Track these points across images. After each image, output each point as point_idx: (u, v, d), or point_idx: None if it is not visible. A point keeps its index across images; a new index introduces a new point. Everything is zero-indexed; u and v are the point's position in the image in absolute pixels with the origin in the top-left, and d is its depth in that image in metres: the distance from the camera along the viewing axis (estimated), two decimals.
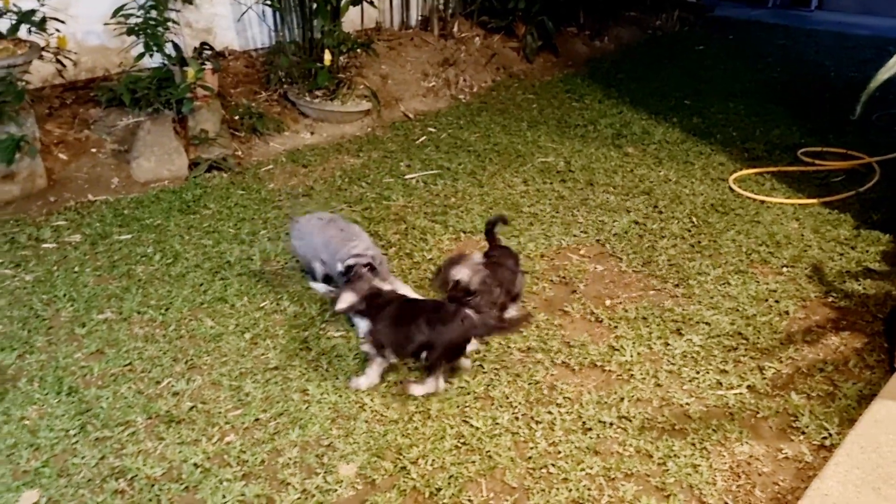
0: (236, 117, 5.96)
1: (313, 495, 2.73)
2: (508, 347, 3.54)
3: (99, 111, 5.69)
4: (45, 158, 5.12)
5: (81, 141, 5.45)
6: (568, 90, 7.46)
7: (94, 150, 5.40)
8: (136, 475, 2.80)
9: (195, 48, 5.90)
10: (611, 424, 3.07)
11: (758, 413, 3.14)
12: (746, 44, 9.22)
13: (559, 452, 2.93)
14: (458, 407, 3.16)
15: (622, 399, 3.21)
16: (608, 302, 3.92)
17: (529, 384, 3.30)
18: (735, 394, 3.25)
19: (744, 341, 3.59)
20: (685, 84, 7.63)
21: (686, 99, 7.18)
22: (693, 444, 2.96)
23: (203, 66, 5.51)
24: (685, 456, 2.89)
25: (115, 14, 5.32)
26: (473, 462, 2.87)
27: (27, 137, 4.68)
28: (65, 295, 3.93)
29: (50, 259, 4.28)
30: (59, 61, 5.22)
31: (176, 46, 5.47)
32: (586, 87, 7.53)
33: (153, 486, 2.77)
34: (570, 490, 2.74)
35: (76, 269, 4.18)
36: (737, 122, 6.55)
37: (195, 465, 2.85)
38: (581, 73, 8.00)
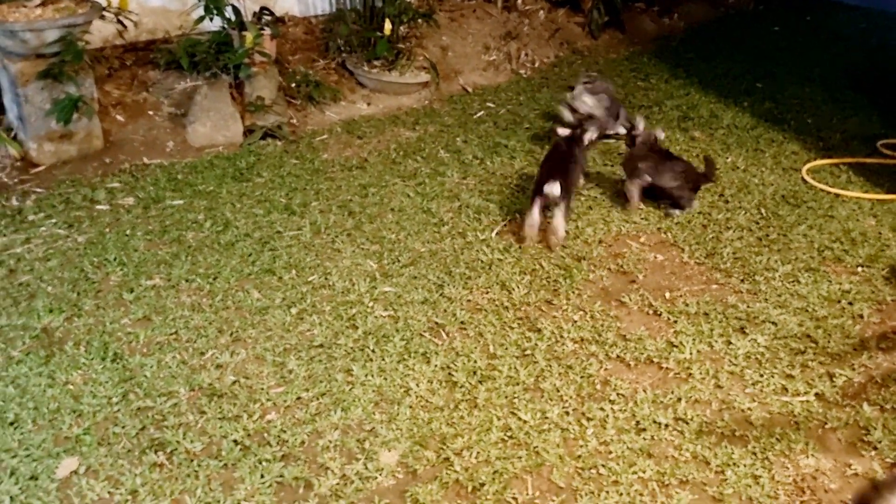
0: (293, 85, 5.87)
1: (352, 481, 2.65)
2: (561, 337, 3.40)
3: (158, 74, 5.66)
4: (103, 119, 5.10)
5: (139, 103, 5.42)
6: (633, 69, 7.17)
7: (151, 112, 5.38)
8: (176, 449, 2.77)
9: (255, 13, 5.80)
10: (666, 426, 2.92)
11: (826, 423, 2.95)
12: (825, 26, 8.75)
13: (610, 453, 2.79)
14: (506, 397, 3.04)
15: (679, 399, 3.05)
16: (668, 294, 3.74)
17: (582, 378, 3.16)
18: (802, 401, 3.06)
19: (813, 345, 3.39)
20: (758, 66, 7.26)
21: (758, 82, 6.83)
22: (754, 454, 2.79)
23: (261, 32, 5.42)
24: (745, 465, 2.73)
25: None
26: (520, 457, 2.76)
27: (85, 98, 4.65)
28: (115, 259, 3.91)
29: (103, 221, 4.26)
30: (119, 22, 5.17)
31: (236, 10, 5.38)
32: (652, 66, 7.24)
33: (192, 461, 2.72)
34: (621, 494, 2.61)
35: (128, 232, 4.16)
36: (812, 109, 6.20)
37: (235, 441, 2.80)
38: (648, 52, 7.69)
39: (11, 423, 2.86)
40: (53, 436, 2.82)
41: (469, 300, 3.67)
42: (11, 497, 2.58)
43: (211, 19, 5.33)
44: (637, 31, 8.30)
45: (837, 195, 4.74)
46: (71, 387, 3.05)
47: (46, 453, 2.74)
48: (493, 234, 4.23)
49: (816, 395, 3.09)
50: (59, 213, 4.31)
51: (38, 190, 4.54)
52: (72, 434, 2.82)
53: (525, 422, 2.92)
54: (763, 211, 4.55)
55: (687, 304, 3.65)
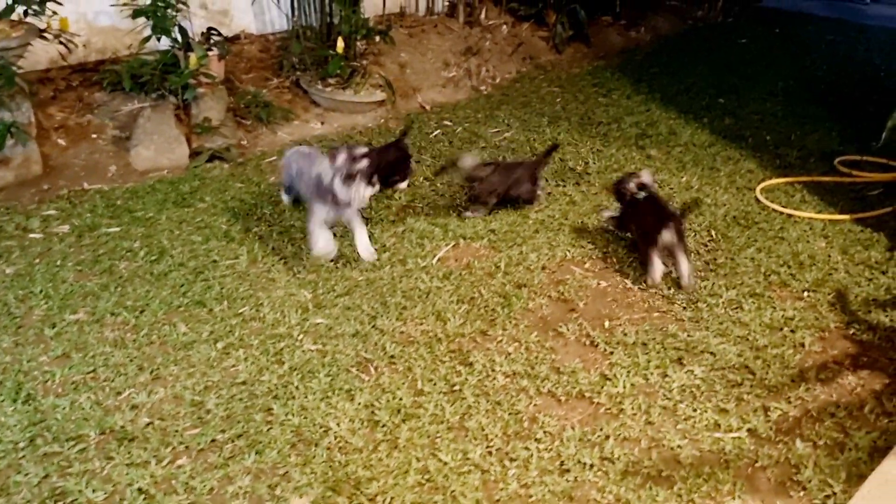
0: (243, 105, 5.78)
1: None
2: (492, 371, 3.30)
3: (104, 95, 5.56)
4: (43, 144, 5.00)
5: (83, 126, 5.32)
6: (595, 84, 7.11)
7: (94, 135, 5.27)
8: (77, 499, 2.65)
9: (202, 33, 5.71)
10: (591, 466, 2.82)
11: (756, 462, 2.86)
12: (793, 38, 8.71)
13: (531, 496, 2.69)
14: (428, 437, 2.94)
15: (608, 437, 2.95)
16: (607, 323, 3.65)
17: (509, 415, 3.06)
18: (733, 437, 2.97)
19: (750, 376, 3.30)
20: (722, 80, 7.21)
21: (721, 97, 6.78)
22: (679, 496, 2.70)
23: (208, 52, 5.33)
24: None
25: None
26: (435, 502, 2.65)
27: (19, 123, 4.55)
28: (41, 291, 3.79)
29: (34, 251, 4.15)
30: (62, 43, 5.07)
31: (182, 31, 5.29)
32: (615, 81, 7.17)
33: None
34: None
35: (58, 262, 4.04)
36: (772, 125, 6.14)
37: (140, 489, 2.69)
38: (612, 66, 7.63)
39: None
40: None
41: (402, 332, 3.57)
42: None
43: (158, 39, 5.24)
44: (603, 44, 8.25)
45: (790, 216, 4.67)
46: None
47: None
48: (434, 261, 4.14)
49: (749, 430, 3.00)
50: None
51: None
52: None
53: (445, 463, 2.81)
54: (713, 233, 4.47)
55: (625, 334, 3.55)
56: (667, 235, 3.84)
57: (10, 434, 2.92)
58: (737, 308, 3.77)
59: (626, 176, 4.32)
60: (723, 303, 3.80)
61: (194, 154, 5.22)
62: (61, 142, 5.13)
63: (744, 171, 5.29)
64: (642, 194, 4.14)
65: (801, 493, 2.72)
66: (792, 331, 3.60)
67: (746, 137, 5.87)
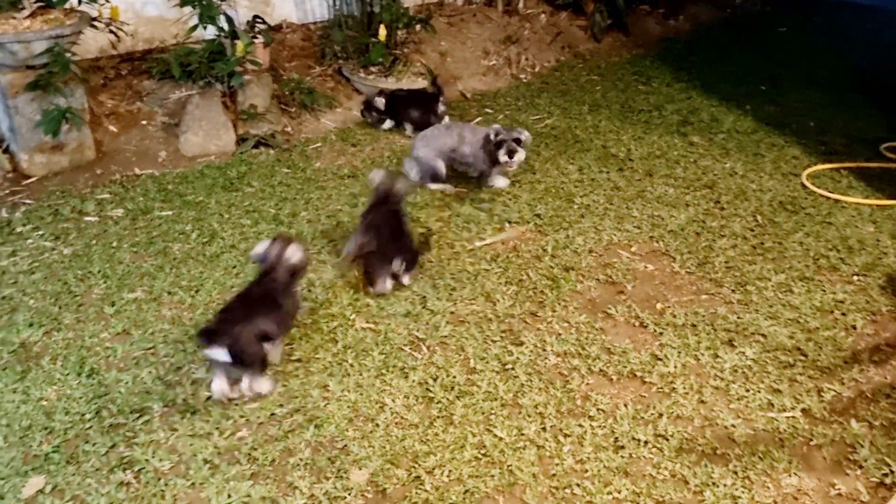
0: (288, 92, 5.85)
1: (321, 501, 2.60)
2: (544, 351, 3.33)
3: (153, 83, 5.66)
4: (96, 130, 5.11)
5: (133, 113, 5.42)
6: (635, 72, 7.08)
7: (144, 122, 5.37)
8: (144, 467, 2.73)
9: (248, 21, 5.78)
10: (645, 443, 2.84)
11: (811, 441, 2.86)
12: (833, 27, 8.60)
13: (586, 471, 2.72)
14: (483, 414, 2.98)
15: (660, 415, 2.97)
16: (657, 305, 3.66)
17: (562, 393, 3.09)
18: (787, 417, 2.97)
19: (802, 358, 3.29)
20: (762, 68, 7.15)
21: (762, 85, 6.72)
22: (735, 472, 2.71)
23: (254, 41, 5.40)
24: (725, 485, 2.65)
25: None
26: (492, 476, 2.70)
27: (74, 109, 4.65)
28: (99, 271, 3.89)
29: (90, 233, 4.25)
30: (112, 32, 5.17)
31: (229, 19, 5.36)
32: (655, 70, 7.14)
33: (160, 480, 2.69)
34: None
35: (114, 244, 4.14)
36: (815, 112, 6.09)
37: (204, 460, 2.76)
38: (651, 55, 7.60)
39: None
40: (23, 454, 2.79)
41: (452, 312, 3.61)
42: None
43: (205, 28, 5.31)
44: (641, 33, 8.20)
45: (837, 201, 4.64)
46: (45, 403, 3.03)
47: (14, 472, 2.71)
48: (481, 244, 4.17)
49: (803, 410, 3.00)
50: (46, 225, 4.30)
51: (28, 202, 4.54)
52: (41, 452, 2.80)
53: (500, 439, 2.85)
54: (759, 218, 4.45)
55: (675, 316, 3.56)
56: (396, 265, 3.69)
57: (76, 406, 3.01)
58: (786, 291, 3.76)
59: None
60: (772, 286, 3.79)
61: (241, 140, 5.30)
62: (112, 128, 5.24)
63: (789, 158, 5.25)
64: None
65: (858, 472, 2.72)
66: (843, 314, 3.58)
67: (790, 124, 5.82)
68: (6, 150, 4.81)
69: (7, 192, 4.61)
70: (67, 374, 3.17)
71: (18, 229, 4.25)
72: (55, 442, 2.84)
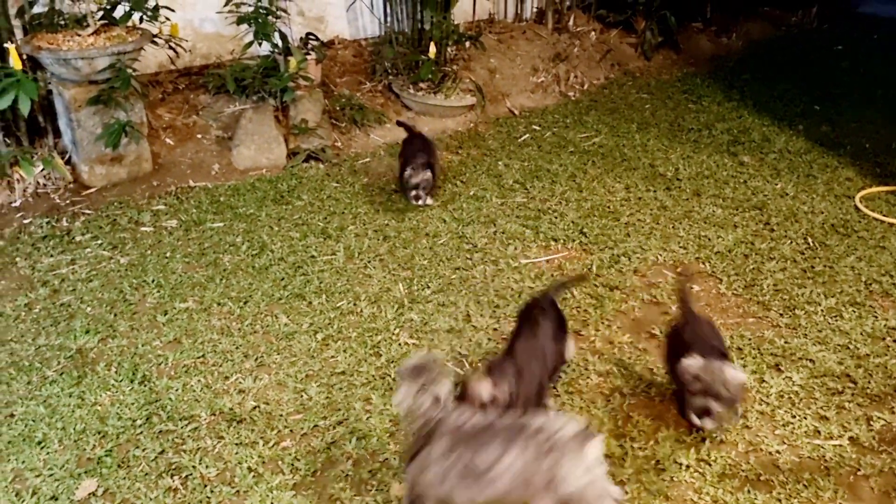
0: (338, 108, 5.95)
1: None
2: (586, 370, 3.33)
3: (208, 98, 5.81)
4: (153, 143, 5.27)
5: (189, 126, 5.58)
6: (685, 90, 7.04)
7: (199, 135, 5.53)
8: (191, 474, 2.80)
9: (301, 38, 5.92)
10: (687, 467, 2.82)
11: (858, 470, 2.80)
12: (891, 45, 8.43)
13: (626, 493, 2.71)
14: None
15: (703, 439, 2.94)
16: None
17: (604, 413, 3.09)
18: (834, 445, 2.92)
19: (851, 385, 3.23)
20: (817, 87, 7.04)
21: (816, 104, 6.62)
22: (779, 500, 2.68)
23: (306, 57, 5.52)
24: None
25: (227, 2, 5.40)
26: None
27: (133, 123, 4.81)
28: (153, 280, 4.01)
29: (145, 243, 4.39)
30: (171, 48, 5.34)
31: (283, 36, 5.50)
32: (706, 88, 7.08)
33: (206, 486, 2.76)
34: None
35: (168, 254, 4.27)
36: (871, 133, 5.97)
37: (249, 468, 2.83)
38: (702, 73, 7.53)
39: (39, 443, 2.95)
40: (77, 457, 2.89)
41: (496, 329, 3.63)
42: None
43: (260, 44, 5.46)
44: (693, 51, 8.15)
45: (892, 225, 4.54)
46: (98, 408, 3.13)
47: (68, 474, 2.81)
48: (526, 261, 4.19)
49: (851, 438, 2.94)
50: (105, 235, 4.45)
51: (88, 211, 4.70)
52: (94, 455, 2.89)
53: None
54: (810, 240, 4.38)
55: None
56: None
57: (128, 412, 3.11)
58: (836, 316, 3.69)
59: None
60: (822, 310, 3.73)
61: (292, 154, 5.41)
62: (169, 141, 5.40)
63: (842, 179, 5.16)
64: None
65: None
66: (895, 340, 3.50)
67: (845, 145, 5.72)
68: (68, 162, 4.99)
69: (68, 202, 4.78)
70: (121, 381, 3.28)
71: (78, 238, 4.40)
72: (108, 446, 2.93)
